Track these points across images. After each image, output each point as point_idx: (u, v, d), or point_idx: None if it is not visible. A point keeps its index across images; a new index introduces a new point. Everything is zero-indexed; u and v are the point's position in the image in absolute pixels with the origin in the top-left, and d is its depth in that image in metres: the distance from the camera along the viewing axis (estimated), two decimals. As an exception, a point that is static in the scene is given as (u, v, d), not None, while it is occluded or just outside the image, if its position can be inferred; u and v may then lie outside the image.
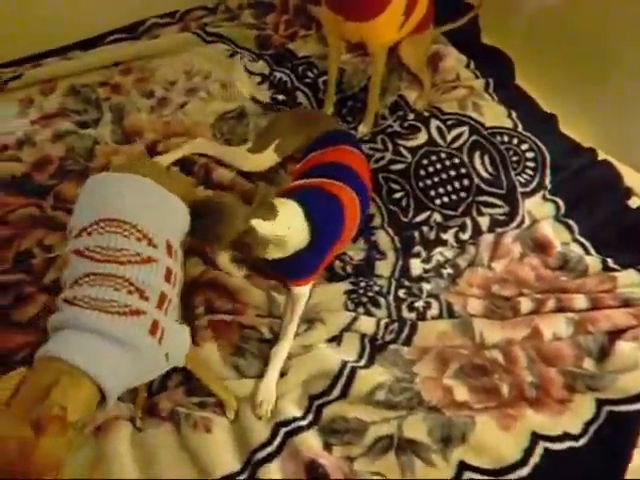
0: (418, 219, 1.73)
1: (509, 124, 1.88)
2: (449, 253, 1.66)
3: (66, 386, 0.96)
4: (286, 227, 1.38)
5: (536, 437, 1.33)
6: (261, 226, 1.34)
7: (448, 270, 1.63)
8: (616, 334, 1.47)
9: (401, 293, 1.58)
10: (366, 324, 1.52)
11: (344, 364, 1.45)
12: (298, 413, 1.38)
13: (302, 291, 1.54)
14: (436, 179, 1.76)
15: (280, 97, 2.09)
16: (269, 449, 1.33)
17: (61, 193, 1.81)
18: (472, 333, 1.49)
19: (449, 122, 1.85)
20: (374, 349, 1.50)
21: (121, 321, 1.10)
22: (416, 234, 1.69)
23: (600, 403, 1.37)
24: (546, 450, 1.32)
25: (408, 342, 1.50)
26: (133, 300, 1.14)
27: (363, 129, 1.92)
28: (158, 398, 1.41)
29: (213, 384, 1.38)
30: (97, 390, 1.04)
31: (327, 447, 1.34)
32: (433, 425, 1.35)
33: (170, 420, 1.38)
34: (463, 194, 1.75)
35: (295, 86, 2.09)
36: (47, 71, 2.21)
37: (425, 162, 1.78)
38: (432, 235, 1.69)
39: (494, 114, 1.90)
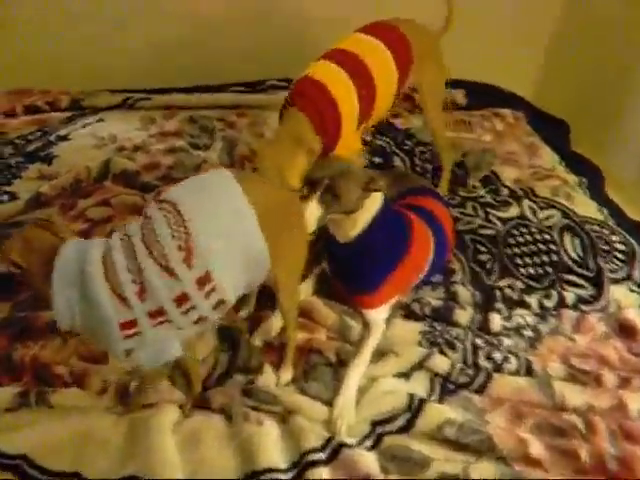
0: (501, 283, 1.73)
1: (600, 217, 1.92)
2: (530, 319, 1.63)
3: None
4: (369, 213, 1.42)
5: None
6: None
7: (529, 333, 1.59)
8: None
9: (479, 341, 1.54)
10: (440, 363, 1.47)
11: (412, 396, 1.39)
12: (358, 437, 1.32)
13: (376, 317, 1.53)
14: (524, 249, 1.78)
15: (377, 160, 2.22)
16: (320, 455, 1.26)
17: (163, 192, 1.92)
18: (551, 393, 1.41)
19: (541, 204, 1.91)
20: (445, 390, 1.44)
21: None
22: (498, 292, 1.68)
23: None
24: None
25: (481, 390, 1.43)
26: (132, 288, 1.07)
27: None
28: (212, 392, 1.38)
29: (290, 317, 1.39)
30: None
31: (384, 471, 1.25)
32: (503, 477, 1.25)
33: (221, 413, 1.34)
34: (549, 269, 1.75)
35: (393, 151, 2.23)
36: (172, 100, 2.45)
37: (515, 232, 1.81)
38: (515, 295, 1.67)
39: (586, 206, 1.95)
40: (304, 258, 1.34)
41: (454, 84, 2.66)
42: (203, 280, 1.10)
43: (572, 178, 2.08)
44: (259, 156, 1.57)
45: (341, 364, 1.48)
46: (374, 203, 1.41)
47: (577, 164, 2.18)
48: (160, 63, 2.58)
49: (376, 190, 1.36)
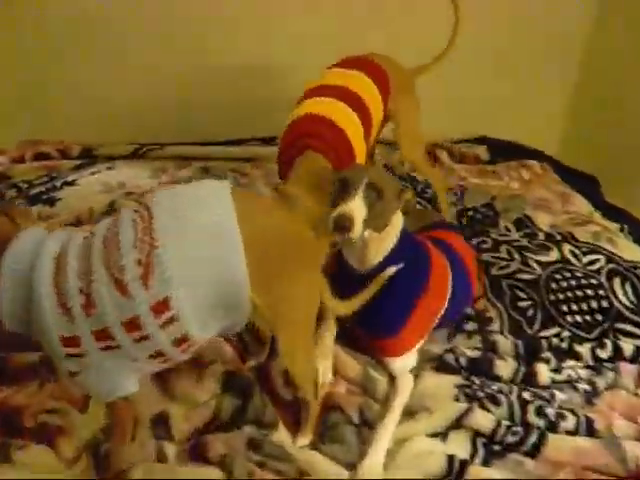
0: (545, 333, 1.52)
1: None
2: (583, 372, 1.40)
3: None
4: (394, 234, 1.26)
5: None
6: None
7: (584, 386, 1.36)
8: None
9: (527, 395, 1.31)
10: (482, 420, 1.24)
11: (451, 458, 1.16)
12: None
13: (402, 366, 1.33)
14: (570, 294, 1.58)
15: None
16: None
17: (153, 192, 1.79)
18: (622, 456, 1.16)
19: (583, 248, 1.74)
20: (489, 452, 1.20)
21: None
22: (544, 342, 1.47)
23: None
24: None
25: (534, 453, 1.19)
26: (79, 299, 0.90)
27: None
28: (211, 439, 1.15)
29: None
30: None
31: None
32: None
33: (219, 466, 1.11)
34: (600, 317, 1.55)
35: (416, 200, 2.10)
36: (186, 151, 2.38)
37: (558, 277, 1.62)
38: (564, 345, 1.46)
39: (631, 251, 1.76)
40: (314, 313, 1.10)
41: (477, 141, 2.60)
42: (160, 306, 0.90)
43: (612, 225, 1.92)
44: (280, 195, 1.43)
45: (365, 424, 1.26)
46: (398, 223, 1.26)
47: (614, 213, 2.02)
48: (173, 118, 2.54)
49: (407, 201, 1.21)
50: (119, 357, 0.93)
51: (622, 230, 1.90)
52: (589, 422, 1.26)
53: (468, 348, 1.46)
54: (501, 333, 1.52)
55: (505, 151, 2.49)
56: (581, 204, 2.05)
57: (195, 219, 0.93)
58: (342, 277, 1.29)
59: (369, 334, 1.37)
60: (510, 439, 1.21)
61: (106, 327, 0.90)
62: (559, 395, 1.32)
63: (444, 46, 1.84)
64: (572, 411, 1.28)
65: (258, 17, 2.41)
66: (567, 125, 2.75)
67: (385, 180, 1.19)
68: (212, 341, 1.36)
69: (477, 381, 1.36)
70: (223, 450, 1.11)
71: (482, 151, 2.48)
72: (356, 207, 1.13)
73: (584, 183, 2.27)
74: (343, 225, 1.12)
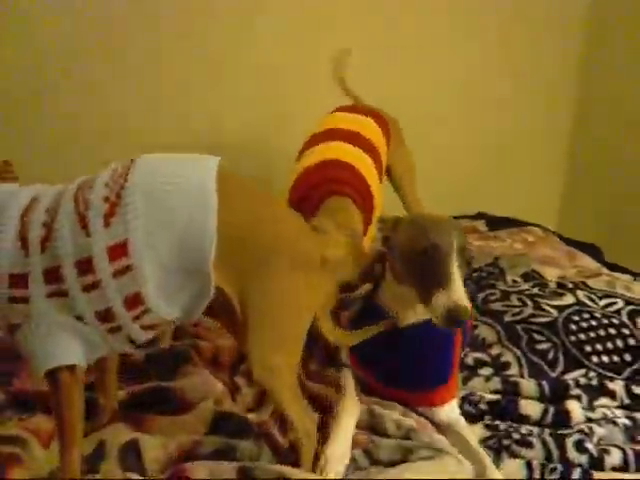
0: (569, 376, 1.37)
1: (672, 304, 1.62)
2: (620, 412, 1.24)
3: None
4: None
5: None
6: None
7: (624, 421, 1.19)
8: None
9: (562, 430, 1.14)
10: (512, 469, 1.06)
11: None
12: None
13: (454, 413, 1.18)
14: (592, 334, 1.45)
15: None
16: None
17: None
18: (685, 488, 0.98)
19: (598, 293, 1.63)
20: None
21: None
22: (571, 382, 1.32)
23: None
24: None
25: (580, 494, 1.00)
26: (39, 232, 0.84)
27: None
28: (192, 465, 0.95)
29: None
30: None
31: None
32: None
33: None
34: (628, 357, 1.40)
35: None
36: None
37: (576, 318, 1.50)
38: (595, 382, 1.30)
39: (649, 296, 1.66)
40: (297, 320, 0.94)
41: (474, 217, 2.59)
42: (117, 250, 0.82)
43: (624, 276, 1.83)
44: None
45: (375, 463, 1.07)
46: None
47: (623, 270, 1.95)
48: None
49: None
50: (64, 311, 0.83)
51: (636, 280, 1.81)
52: (638, 455, 1.08)
53: (488, 393, 1.30)
54: (521, 377, 1.37)
55: (503, 225, 2.47)
56: (588, 261, 1.99)
57: (175, 172, 0.86)
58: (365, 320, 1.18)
59: (412, 389, 1.21)
60: (550, 478, 1.03)
61: (58, 265, 0.82)
62: (598, 429, 1.15)
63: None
64: (616, 446, 1.11)
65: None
66: (564, 200, 2.76)
67: (465, 239, 1.07)
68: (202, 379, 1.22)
69: (502, 426, 1.20)
70: (205, 476, 0.92)
71: (480, 224, 2.46)
72: (462, 288, 0.98)
73: (587, 249, 2.22)
74: (457, 320, 0.96)
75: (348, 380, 1.23)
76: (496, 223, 2.48)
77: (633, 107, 2.45)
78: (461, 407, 1.24)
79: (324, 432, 1.08)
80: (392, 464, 1.05)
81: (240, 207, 0.88)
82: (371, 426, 1.16)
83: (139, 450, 0.98)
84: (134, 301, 0.84)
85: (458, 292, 0.97)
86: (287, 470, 0.96)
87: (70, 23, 2.02)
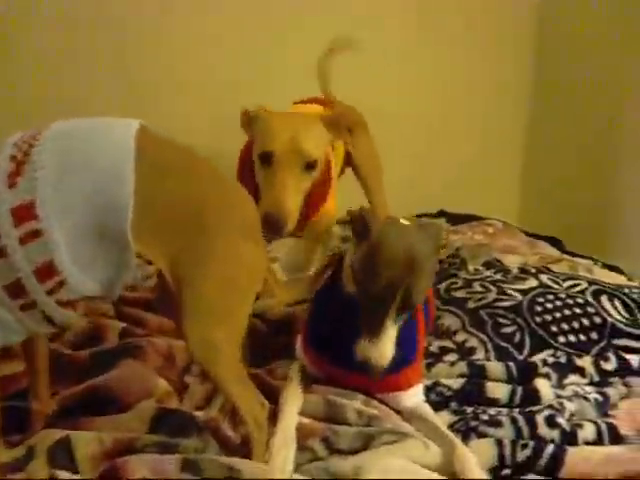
0: (537, 357, 1.31)
1: (635, 283, 1.59)
2: (590, 388, 1.19)
3: None
4: None
5: None
6: None
7: (596, 396, 1.13)
8: None
9: (533, 408, 1.08)
10: (482, 448, 0.99)
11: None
12: None
13: (419, 398, 1.12)
14: (557, 315, 1.40)
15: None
16: None
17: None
18: (663, 457, 0.92)
19: (562, 277, 1.59)
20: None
21: None
22: (539, 361, 1.26)
23: None
24: None
25: (553, 470, 0.94)
26: None
27: None
28: (129, 460, 0.85)
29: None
30: None
31: None
32: None
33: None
34: (595, 335, 1.36)
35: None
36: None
37: (541, 300, 1.45)
38: (563, 359, 1.25)
39: (611, 277, 1.64)
40: (234, 282, 0.84)
41: (436, 216, 2.55)
42: (23, 212, 0.73)
43: (585, 261, 1.81)
44: None
45: (336, 452, 0.98)
46: None
47: (584, 258, 1.92)
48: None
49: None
50: None
51: (596, 264, 1.79)
52: (612, 429, 1.02)
53: (452, 379, 1.23)
54: (487, 360, 1.31)
55: (465, 221, 2.44)
56: (550, 250, 1.96)
57: (92, 128, 0.79)
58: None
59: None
60: (521, 456, 0.96)
61: None
62: (568, 404, 1.09)
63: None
64: (589, 420, 1.05)
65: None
66: (522, 193, 2.76)
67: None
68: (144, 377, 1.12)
69: (469, 410, 1.13)
70: (145, 473, 0.81)
71: (442, 222, 2.42)
72: (390, 344, 0.96)
73: (548, 240, 2.20)
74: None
75: (294, 370, 1.15)
76: (457, 220, 2.46)
77: (583, 108, 2.48)
78: (426, 396, 1.16)
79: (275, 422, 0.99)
80: (353, 452, 0.96)
81: (166, 166, 0.80)
82: (330, 417, 1.07)
83: (71, 448, 0.87)
84: (47, 271, 0.74)
85: (382, 349, 0.94)
86: (235, 461, 0.86)
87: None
